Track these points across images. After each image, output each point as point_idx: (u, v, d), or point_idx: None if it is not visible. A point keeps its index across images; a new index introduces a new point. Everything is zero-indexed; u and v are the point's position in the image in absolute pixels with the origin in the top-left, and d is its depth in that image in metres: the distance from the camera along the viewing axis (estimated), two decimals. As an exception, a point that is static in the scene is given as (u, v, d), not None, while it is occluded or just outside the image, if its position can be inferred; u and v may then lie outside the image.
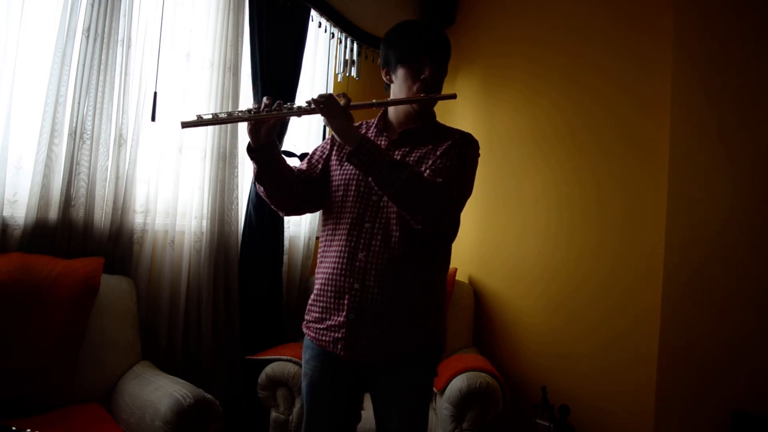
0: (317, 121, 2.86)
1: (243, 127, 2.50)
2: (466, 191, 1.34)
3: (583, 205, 2.60)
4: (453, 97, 1.37)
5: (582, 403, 2.44)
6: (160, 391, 1.66)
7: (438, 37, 1.39)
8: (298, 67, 2.60)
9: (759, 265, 1.98)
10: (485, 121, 3.05)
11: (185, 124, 1.27)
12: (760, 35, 2.02)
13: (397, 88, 1.40)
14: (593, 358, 2.49)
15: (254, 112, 1.27)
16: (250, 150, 1.34)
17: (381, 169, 1.22)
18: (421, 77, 1.35)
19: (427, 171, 1.31)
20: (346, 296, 1.32)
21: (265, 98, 1.30)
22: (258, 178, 1.37)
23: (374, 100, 1.37)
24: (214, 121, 1.28)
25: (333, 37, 2.89)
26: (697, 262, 2.11)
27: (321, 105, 1.26)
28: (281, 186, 1.39)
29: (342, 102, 1.27)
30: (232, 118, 1.30)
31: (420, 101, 1.36)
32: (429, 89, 1.36)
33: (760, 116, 2.01)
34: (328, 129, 2.70)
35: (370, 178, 1.26)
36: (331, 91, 2.90)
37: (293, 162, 2.68)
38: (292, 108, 1.29)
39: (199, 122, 1.26)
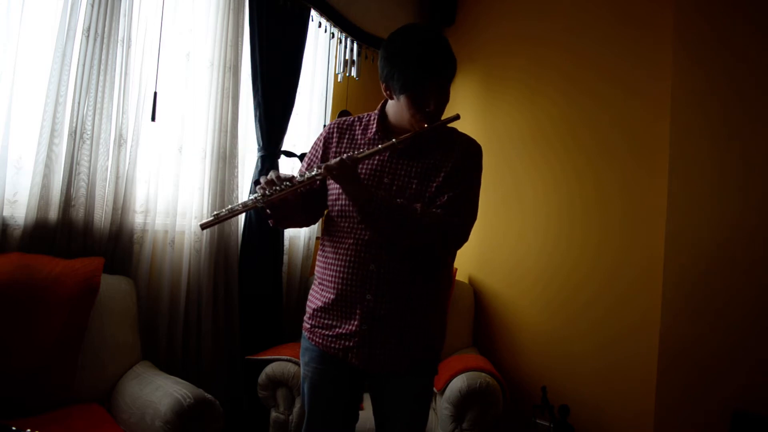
0: (317, 121, 2.86)
1: (243, 128, 2.51)
2: (474, 218, 1.39)
3: (583, 204, 2.60)
4: (456, 118, 1.37)
5: (582, 403, 2.44)
6: (160, 391, 1.66)
7: (445, 63, 1.31)
8: (298, 67, 2.60)
9: (759, 264, 1.98)
10: (485, 121, 3.05)
11: (204, 226, 1.30)
12: (761, 34, 2.02)
13: (399, 110, 1.36)
14: (593, 358, 2.49)
15: (268, 196, 1.26)
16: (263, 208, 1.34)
17: (393, 226, 1.25)
18: (426, 110, 1.31)
19: (438, 202, 1.31)
20: (358, 306, 1.31)
21: (272, 173, 1.28)
22: (276, 222, 1.40)
23: (380, 146, 1.32)
24: (231, 214, 1.29)
25: (333, 37, 2.89)
26: (697, 262, 2.11)
27: (334, 172, 1.24)
28: (292, 215, 1.42)
29: (352, 164, 1.26)
30: (247, 208, 1.30)
31: (424, 131, 1.33)
32: (433, 120, 1.33)
33: (761, 115, 2.01)
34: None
35: (382, 234, 1.29)
36: (331, 91, 2.90)
37: (293, 162, 2.69)
38: (303, 179, 1.28)
39: (217, 221, 1.29)
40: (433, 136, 1.39)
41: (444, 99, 1.35)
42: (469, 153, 1.38)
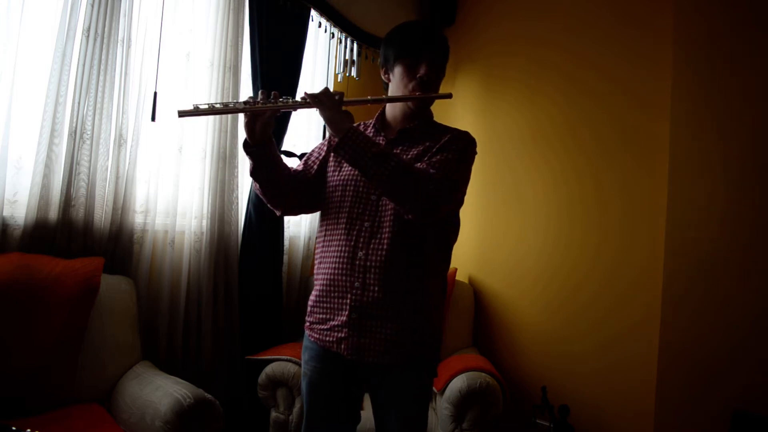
0: (317, 121, 2.86)
1: (242, 126, 2.51)
2: (460, 183, 1.35)
3: (583, 204, 2.60)
4: (449, 96, 1.39)
5: (582, 403, 2.44)
6: (160, 391, 1.66)
7: (436, 36, 1.40)
8: (298, 67, 2.60)
9: (759, 264, 1.98)
10: (485, 121, 3.05)
11: (182, 113, 1.28)
12: (761, 34, 2.02)
13: (394, 86, 1.41)
14: (593, 358, 2.49)
15: (250, 104, 1.29)
16: (246, 145, 1.36)
17: (368, 159, 1.23)
18: (418, 75, 1.36)
19: (423, 164, 1.31)
20: (348, 296, 1.32)
21: (260, 92, 1.32)
22: (253, 173, 1.39)
23: (369, 97, 1.38)
24: (211, 111, 1.30)
25: (333, 37, 2.89)
26: (697, 262, 2.11)
27: (315, 97, 1.28)
28: (276, 183, 1.41)
29: (336, 97, 1.30)
30: (228, 109, 1.33)
31: (415, 99, 1.37)
32: (425, 88, 1.37)
33: (760, 116, 2.01)
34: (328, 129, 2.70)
35: (358, 170, 1.28)
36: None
37: (293, 162, 2.69)
38: (287, 101, 1.31)
39: (196, 112, 1.28)
40: (428, 129, 1.43)
41: (436, 72, 1.39)
42: (459, 136, 1.40)
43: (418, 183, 1.24)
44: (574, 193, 2.64)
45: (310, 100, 1.29)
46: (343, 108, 1.31)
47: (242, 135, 2.51)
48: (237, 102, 1.32)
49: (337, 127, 1.26)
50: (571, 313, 2.59)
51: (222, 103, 1.32)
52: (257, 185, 1.41)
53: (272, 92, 1.31)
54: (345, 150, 1.24)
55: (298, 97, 1.32)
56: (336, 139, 1.26)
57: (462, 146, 1.37)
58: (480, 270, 3.00)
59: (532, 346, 2.72)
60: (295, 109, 1.36)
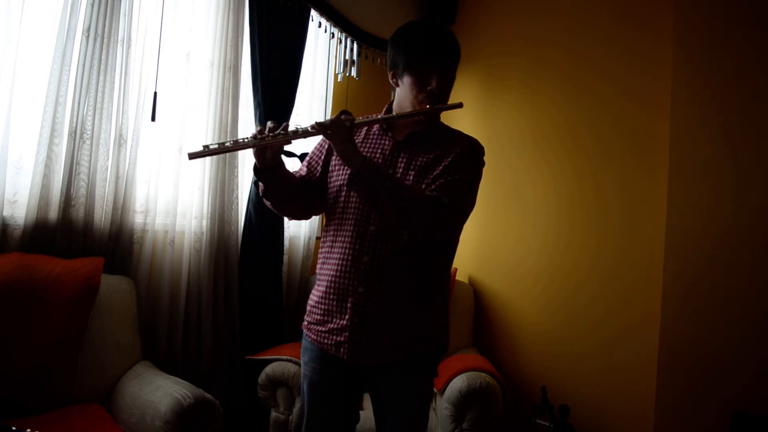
0: (317, 120, 2.85)
1: (243, 128, 2.51)
2: (469, 207, 1.36)
3: (583, 204, 2.60)
4: (459, 106, 1.35)
5: (582, 403, 2.44)
6: (160, 391, 1.66)
7: (447, 45, 1.36)
8: (298, 67, 2.60)
9: (759, 264, 1.98)
10: (485, 121, 3.05)
11: (192, 156, 1.28)
12: (761, 34, 2.02)
13: (403, 94, 1.38)
14: (593, 358, 2.49)
15: (259, 138, 1.27)
16: (257, 171, 1.34)
17: (381, 192, 1.23)
18: (428, 88, 1.33)
19: (433, 185, 1.30)
20: (350, 299, 1.31)
21: (269, 123, 1.30)
22: (265, 194, 1.39)
23: (379, 116, 1.36)
24: (221, 150, 1.30)
25: (333, 37, 2.89)
26: (697, 262, 2.11)
27: (327, 129, 1.26)
28: (288, 198, 1.41)
29: (347, 124, 1.26)
30: (238, 146, 1.30)
31: (426, 113, 1.34)
32: (436, 100, 1.34)
33: (760, 115, 2.01)
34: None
35: (369, 203, 1.27)
36: (331, 91, 2.90)
37: (293, 162, 2.69)
38: (297, 131, 1.29)
39: (206, 153, 1.28)
40: (436, 132, 1.41)
41: (447, 82, 1.36)
42: (470, 149, 1.39)
43: (428, 213, 1.25)
44: (574, 193, 2.64)
45: (320, 131, 1.27)
46: (353, 123, 1.29)
47: (242, 135, 2.52)
48: (247, 138, 1.29)
49: (351, 162, 1.24)
50: (571, 313, 2.59)
51: (231, 141, 1.31)
52: (269, 203, 1.41)
53: (282, 124, 1.30)
54: (359, 185, 1.24)
55: (309, 126, 1.29)
56: (349, 165, 1.25)
57: (473, 161, 1.37)
58: (480, 270, 3.00)
59: (532, 346, 2.72)
60: (305, 138, 1.33)
